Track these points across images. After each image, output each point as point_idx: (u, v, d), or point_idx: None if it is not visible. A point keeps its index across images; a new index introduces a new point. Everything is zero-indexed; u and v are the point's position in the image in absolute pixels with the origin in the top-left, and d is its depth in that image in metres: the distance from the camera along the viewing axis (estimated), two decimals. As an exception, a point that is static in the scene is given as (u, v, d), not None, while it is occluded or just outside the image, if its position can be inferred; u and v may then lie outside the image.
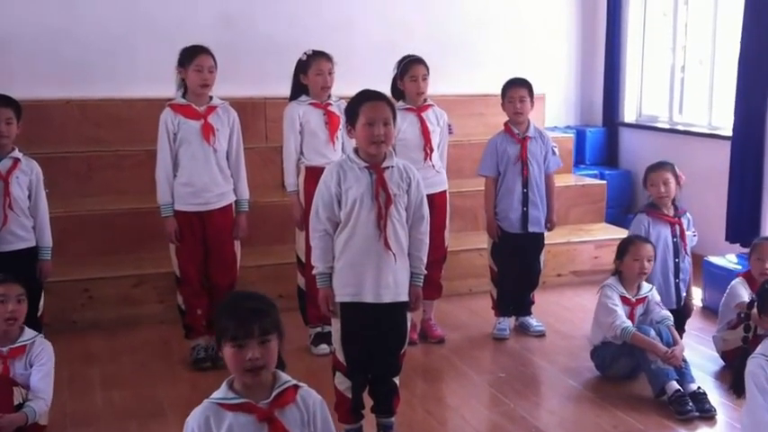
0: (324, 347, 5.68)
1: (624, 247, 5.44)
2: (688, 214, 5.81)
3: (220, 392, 2.95)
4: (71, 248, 6.31)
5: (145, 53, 7.79)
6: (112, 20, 7.84)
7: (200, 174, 5.42)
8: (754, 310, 4.39)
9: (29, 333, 4.47)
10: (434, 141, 5.90)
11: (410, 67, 5.88)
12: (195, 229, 5.48)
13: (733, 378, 4.17)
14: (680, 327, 5.65)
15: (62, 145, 7.30)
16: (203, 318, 5.61)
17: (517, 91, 6.00)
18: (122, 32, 7.86)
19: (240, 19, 8.11)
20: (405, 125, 5.81)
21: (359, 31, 8.42)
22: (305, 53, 5.79)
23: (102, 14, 7.81)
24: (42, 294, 5.17)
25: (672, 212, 5.73)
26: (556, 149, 6.20)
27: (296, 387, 3.01)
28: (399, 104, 5.84)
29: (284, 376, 3.01)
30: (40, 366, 4.40)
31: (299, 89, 5.83)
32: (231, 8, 8.11)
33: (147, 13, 7.91)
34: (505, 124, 6.11)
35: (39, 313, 5.10)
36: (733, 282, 5.68)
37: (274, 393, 2.94)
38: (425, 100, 5.96)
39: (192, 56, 5.37)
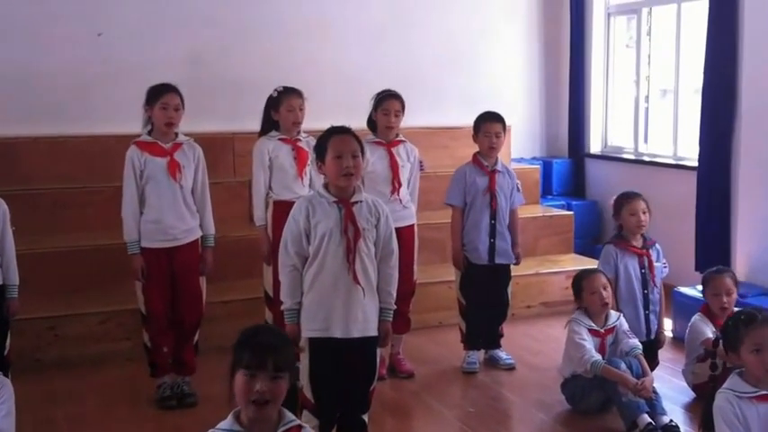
0: (293, 383, 5.63)
1: (578, 285, 5.47)
2: (657, 245, 5.82)
3: (226, 423, 2.99)
4: (37, 286, 6.22)
5: (113, 91, 7.74)
6: (81, 57, 7.81)
7: (167, 210, 5.38)
8: (720, 348, 4.38)
9: (-14, 373, 4.39)
10: (403, 176, 5.93)
11: (384, 101, 5.93)
12: (162, 266, 5.43)
13: (701, 417, 4.14)
14: (652, 358, 5.65)
15: (29, 182, 7.24)
16: (169, 355, 5.55)
17: (493, 126, 6.04)
18: (91, 70, 7.83)
19: (208, 56, 8.12)
20: (374, 158, 5.84)
21: (326, 67, 8.43)
22: (276, 90, 5.82)
23: (71, 52, 7.79)
24: (8, 333, 5.11)
25: (640, 244, 5.75)
26: (519, 187, 6.25)
27: (299, 427, 3.05)
28: (369, 137, 5.87)
29: (290, 415, 3.05)
30: (1, 405, 4.29)
31: (269, 125, 5.84)
32: (199, 46, 8.11)
33: (115, 51, 7.88)
34: (474, 156, 6.14)
35: (5, 352, 5.04)
36: (693, 318, 5.66)
37: (279, 431, 2.99)
38: (397, 135, 5.99)
39: (158, 94, 5.35)
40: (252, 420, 2.96)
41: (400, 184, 5.90)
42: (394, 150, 5.93)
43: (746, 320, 3.86)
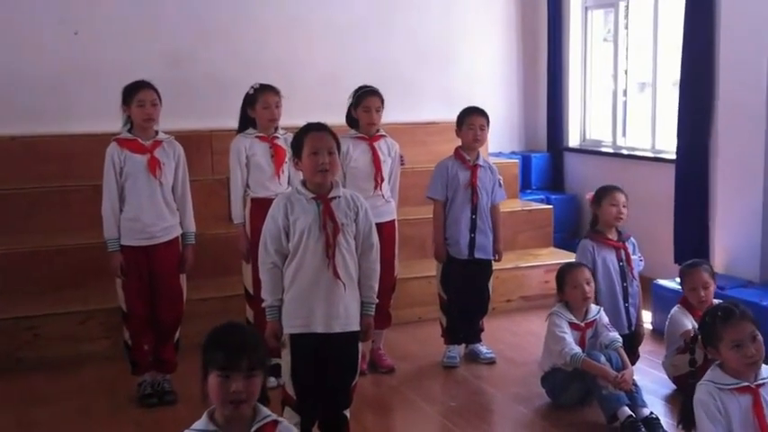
0: (272, 380, 5.61)
1: (561, 278, 5.48)
2: (632, 239, 5.85)
3: (201, 423, 2.99)
4: (16, 286, 6.20)
5: (91, 90, 7.70)
6: (58, 56, 7.77)
7: (147, 208, 5.36)
8: (700, 342, 4.37)
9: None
10: (385, 171, 5.93)
11: (364, 99, 5.92)
12: (141, 264, 5.42)
13: (681, 413, 4.11)
14: (632, 352, 5.67)
15: (7, 182, 7.19)
16: (150, 353, 5.54)
17: (478, 119, 6.05)
18: (68, 69, 7.79)
19: (185, 54, 8.09)
20: (356, 153, 5.85)
21: (303, 64, 8.42)
22: (252, 87, 5.80)
23: (48, 51, 7.74)
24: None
25: (615, 237, 5.77)
26: (501, 182, 6.25)
27: (275, 422, 3.05)
28: (351, 132, 5.90)
29: (265, 411, 3.04)
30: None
31: (246, 122, 5.83)
32: (176, 44, 8.08)
33: (92, 50, 7.84)
34: (456, 150, 6.14)
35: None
36: (672, 311, 5.64)
37: (254, 428, 2.99)
38: (378, 130, 5.99)
39: (133, 92, 5.34)
40: (227, 419, 2.96)
41: (383, 179, 5.91)
42: (376, 145, 5.93)
43: (724, 316, 3.82)
